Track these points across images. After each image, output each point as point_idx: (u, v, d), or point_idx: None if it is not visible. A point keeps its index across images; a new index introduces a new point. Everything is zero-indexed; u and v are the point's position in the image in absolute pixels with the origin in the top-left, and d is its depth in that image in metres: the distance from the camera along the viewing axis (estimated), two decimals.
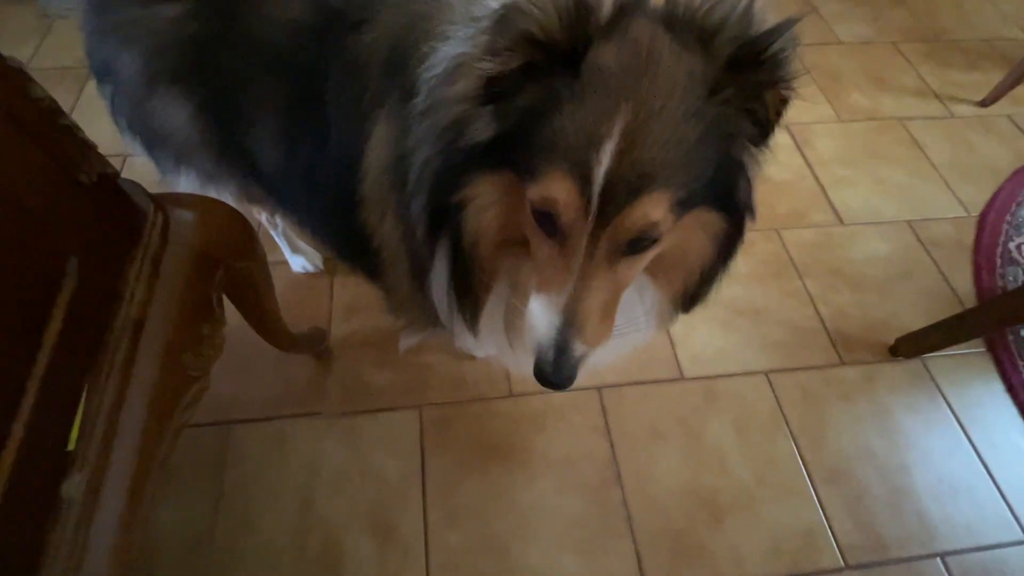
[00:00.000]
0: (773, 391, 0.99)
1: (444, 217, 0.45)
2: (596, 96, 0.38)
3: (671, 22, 0.40)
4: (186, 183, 0.73)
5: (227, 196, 0.73)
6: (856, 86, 1.47)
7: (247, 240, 0.61)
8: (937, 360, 1.03)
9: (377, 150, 0.51)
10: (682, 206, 0.40)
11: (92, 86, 0.75)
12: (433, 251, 0.49)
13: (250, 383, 0.94)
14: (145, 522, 0.44)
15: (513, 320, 0.54)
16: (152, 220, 0.49)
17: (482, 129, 0.41)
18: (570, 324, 0.42)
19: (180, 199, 0.54)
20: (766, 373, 1.01)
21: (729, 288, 1.08)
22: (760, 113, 0.43)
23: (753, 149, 0.45)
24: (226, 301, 0.65)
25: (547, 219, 0.41)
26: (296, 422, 0.91)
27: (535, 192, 0.40)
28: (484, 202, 0.44)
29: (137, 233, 0.48)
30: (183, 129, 0.62)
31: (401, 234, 0.53)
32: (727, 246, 0.48)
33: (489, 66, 0.38)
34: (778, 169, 1.29)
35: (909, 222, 1.22)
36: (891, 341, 1.04)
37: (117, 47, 0.63)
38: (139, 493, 0.42)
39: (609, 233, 0.39)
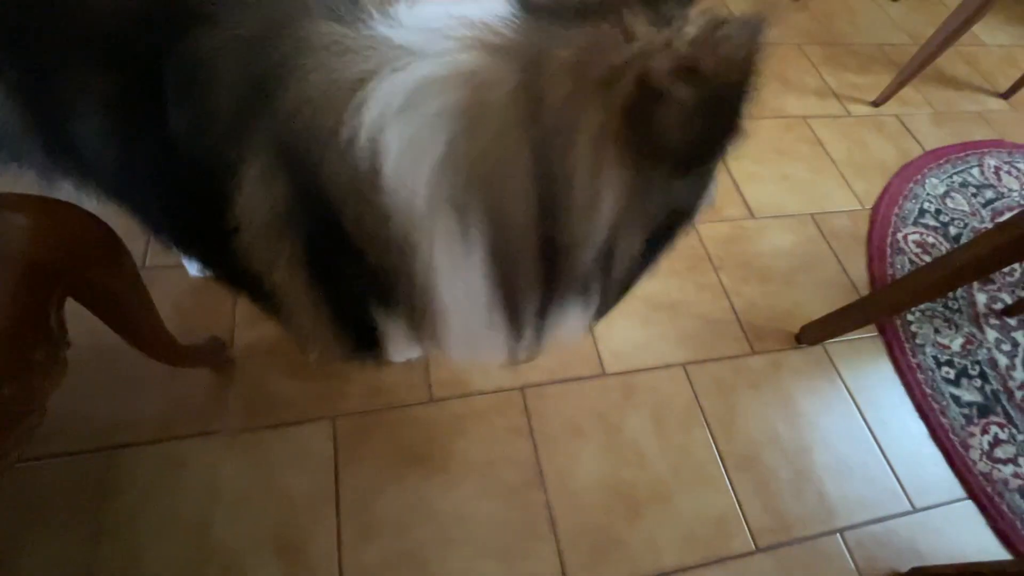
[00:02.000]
0: (690, 383, 1.02)
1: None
2: None
3: None
4: (26, 180, 0.64)
5: (81, 197, 0.63)
6: (764, 85, 1.54)
7: (102, 246, 0.54)
8: (836, 346, 1.10)
9: (254, 197, 0.43)
10: None
11: None
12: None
13: (137, 402, 0.85)
14: None
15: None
16: None
17: None
18: None
19: (6, 199, 0.46)
20: (683, 365, 1.03)
21: (649, 283, 1.11)
22: None
23: None
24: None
25: None
26: (191, 443, 0.83)
27: None
28: None
29: None
30: (2, 119, 0.53)
31: (306, 281, 0.47)
32: None
33: None
34: None
35: (812, 215, 1.30)
36: (796, 329, 1.10)
37: None
38: None
39: None
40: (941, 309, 1.18)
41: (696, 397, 1.00)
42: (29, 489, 0.76)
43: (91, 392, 0.83)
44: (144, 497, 0.78)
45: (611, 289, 0.47)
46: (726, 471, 0.93)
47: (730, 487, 0.91)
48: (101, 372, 0.83)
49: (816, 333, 1.08)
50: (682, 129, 0.35)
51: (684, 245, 1.18)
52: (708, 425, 0.97)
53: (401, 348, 0.57)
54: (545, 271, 0.41)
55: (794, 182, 1.35)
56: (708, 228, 1.22)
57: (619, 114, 0.36)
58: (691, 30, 0.36)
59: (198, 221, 0.50)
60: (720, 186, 1.29)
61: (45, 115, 0.51)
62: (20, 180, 0.61)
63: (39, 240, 0.46)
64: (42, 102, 0.50)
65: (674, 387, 1.01)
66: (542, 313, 0.45)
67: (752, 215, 1.27)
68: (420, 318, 0.46)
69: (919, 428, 1.03)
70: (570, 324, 0.49)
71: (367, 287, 0.46)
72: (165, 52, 0.42)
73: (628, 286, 0.50)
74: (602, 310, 0.51)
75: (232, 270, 0.50)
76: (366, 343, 0.55)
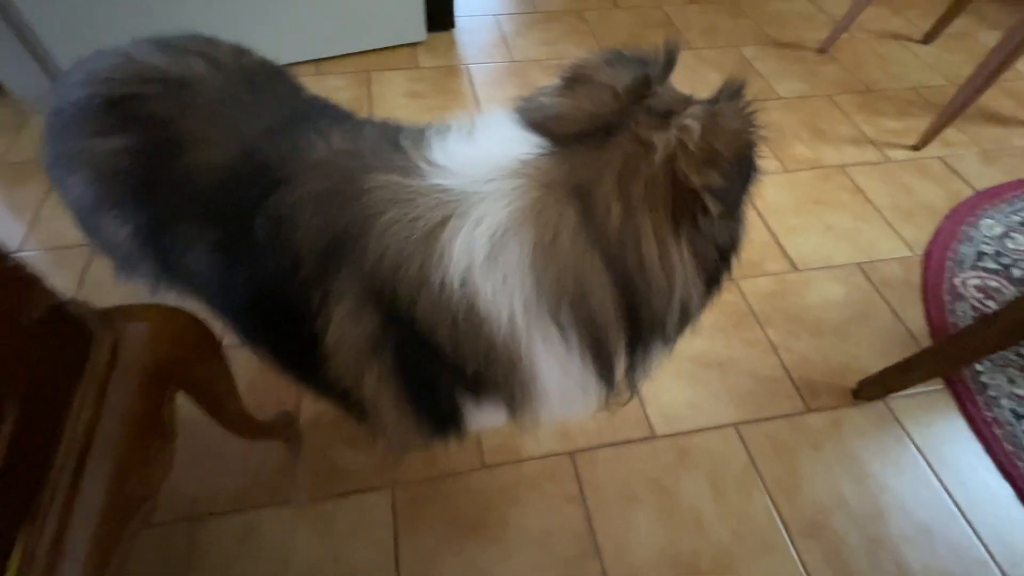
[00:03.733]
0: (744, 444, 1.00)
1: None
2: None
3: None
4: (139, 283, 0.75)
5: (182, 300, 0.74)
6: (798, 138, 1.57)
7: (206, 347, 0.62)
8: (899, 401, 1.05)
9: (343, 333, 0.49)
10: None
11: None
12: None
13: (217, 474, 0.92)
14: None
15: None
16: (100, 340, 0.50)
17: None
18: None
19: (131, 311, 0.55)
20: (736, 426, 1.02)
21: (694, 341, 1.12)
22: None
23: None
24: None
25: None
26: (265, 513, 0.89)
27: None
28: None
29: (84, 355, 0.49)
30: (125, 244, 0.64)
31: (394, 390, 0.52)
32: None
33: None
34: None
35: (859, 264, 1.28)
36: (853, 384, 1.06)
37: (66, 171, 0.65)
38: None
39: None
40: (1014, 357, 1.11)
41: (752, 459, 0.98)
42: None
43: (177, 466, 0.91)
44: (224, 566, 0.84)
45: (685, 326, 0.52)
46: (791, 538, 0.89)
47: (796, 556, 0.87)
48: (185, 448, 0.91)
49: (876, 388, 1.04)
50: (719, 197, 0.42)
51: (726, 302, 1.20)
52: (768, 489, 0.94)
53: (483, 423, 0.62)
54: (635, 337, 0.48)
55: (838, 232, 1.34)
56: (750, 284, 1.23)
57: (667, 210, 0.43)
58: (694, 124, 0.43)
59: (289, 348, 0.57)
60: (758, 241, 1.31)
61: (163, 249, 0.61)
62: (136, 287, 0.72)
63: (158, 345, 0.55)
64: (161, 240, 0.60)
65: (728, 448, 0.99)
66: (633, 367, 0.52)
67: (795, 268, 1.27)
68: (520, 401, 0.51)
69: (1004, 490, 0.95)
70: (653, 363, 0.54)
71: (460, 387, 0.51)
72: (254, 209, 0.51)
73: (696, 318, 0.54)
74: (674, 342, 0.55)
75: (320, 385, 0.57)
76: (447, 427, 0.59)
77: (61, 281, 1.13)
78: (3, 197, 1.31)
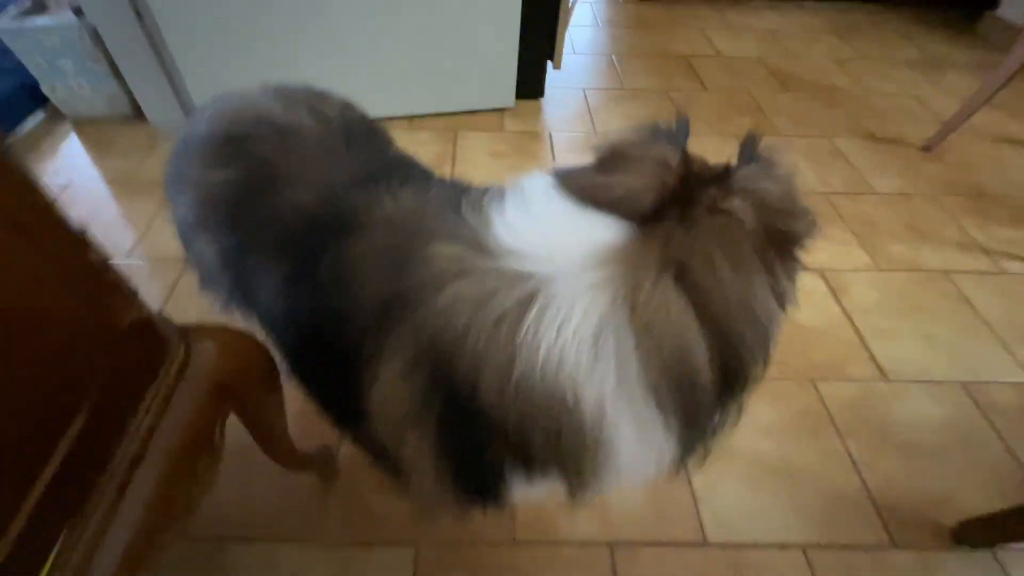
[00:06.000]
0: (812, 572, 0.87)
1: None
2: None
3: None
4: (215, 300, 0.81)
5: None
6: (894, 236, 1.46)
7: (267, 374, 0.64)
8: (1015, 555, 0.88)
9: (388, 389, 0.49)
10: None
11: None
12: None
13: (251, 499, 0.92)
14: None
15: None
16: (174, 355, 0.53)
17: None
18: None
19: (203, 329, 0.58)
20: (803, 548, 0.90)
21: (759, 441, 1.02)
22: None
23: None
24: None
25: None
26: (289, 547, 0.87)
27: None
28: None
29: (157, 365, 0.51)
30: (211, 262, 0.69)
31: (435, 454, 0.50)
32: None
33: None
34: (811, 314, 1.26)
35: (964, 384, 1.13)
36: (951, 522, 0.91)
37: (177, 192, 0.73)
38: None
39: None
40: None
41: None
42: None
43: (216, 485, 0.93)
44: None
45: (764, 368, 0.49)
46: None
47: None
48: (225, 468, 0.93)
49: (981, 533, 0.89)
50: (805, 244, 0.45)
51: (802, 403, 1.09)
52: None
53: (529, 497, 0.58)
54: (724, 396, 0.46)
55: (939, 344, 1.21)
56: (830, 387, 1.12)
57: (767, 265, 0.44)
58: (769, 185, 0.45)
59: (333, 392, 0.58)
60: (842, 339, 1.20)
61: (239, 271, 0.65)
62: (212, 303, 0.77)
63: (223, 364, 0.57)
64: (239, 263, 0.65)
65: (793, 574, 0.87)
66: (715, 429, 0.49)
67: (885, 377, 1.14)
68: (588, 477, 0.48)
69: None
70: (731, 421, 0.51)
71: (512, 460, 0.48)
72: (325, 250, 0.53)
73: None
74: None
75: (357, 436, 0.57)
76: (487, 497, 0.56)
77: (156, 287, 1.24)
78: (124, 207, 1.48)
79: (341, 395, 0.54)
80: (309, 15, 1.52)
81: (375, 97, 1.69)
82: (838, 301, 1.29)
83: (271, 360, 0.65)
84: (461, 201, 0.51)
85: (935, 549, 0.90)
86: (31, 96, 1.71)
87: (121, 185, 1.54)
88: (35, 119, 1.72)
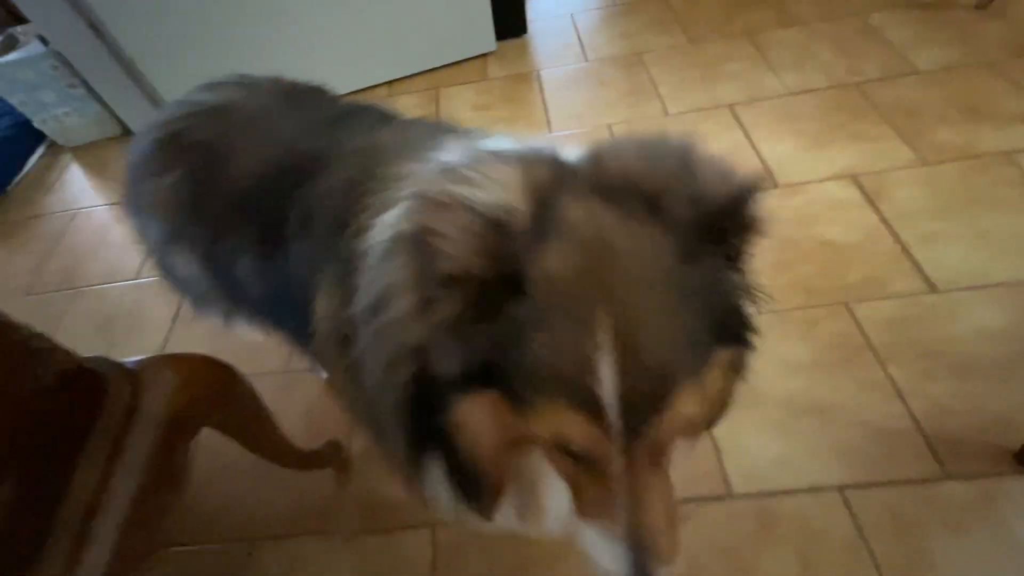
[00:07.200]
0: (851, 513, 0.80)
1: (428, 437, 0.41)
2: (562, 313, 0.32)
3: (606, 193, 0.35)
4: (213, 318, 0.81)
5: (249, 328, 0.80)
6: (943, 120, 1.26)
7: (228, 390, 0.63)
8: None
9: (320, 312, 0.51)
10: (703, 373, 0.35)
11: None
12: (420, 462, 0.45)
13: (271, 497, 0.96)
14: None
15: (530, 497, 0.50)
16: (116, 396, 0.52)
17: (445, 364, 0.35)
18: (642, 550, 0.36)
19: (152, 364, 0.57)
20: (840, 489, 0.83)
21: (787, 381, 0.94)
22: (733, 252, 0.37)
23: (735, 274, 0.38)
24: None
25: (564, 446, 0.36)
26: (311, 541, 0.90)
27: (540, 428, 0.35)
28: (476, 428, 0.38)
29: (96, 414, 0.50)
30: (198, 279, 0.69)
31: (364, 402, 0.49)
32: (740, 365, 0.43)
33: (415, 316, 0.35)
34: (842, 228, 1.12)
35: None
36: (1015, 446, 0.81)
37: (138, 215, 0.72)
38: None
39: (645, 442, 0.34)
40: None
41: (862, 534, 0.78)
42: (179, 572, 0.90)
43: (234, 491, 0.96)
44: None
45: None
46: None
47: None
48: (242, 473, 0.96)
49: None
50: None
51: (834, 331, 0.99)
52: (881, 575, 0.75)
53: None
54: None
55: (997, 241, 1.04)
56: (867, 308, 1.00)
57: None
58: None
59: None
60: (880, 252, 1.06)
61: (222, 270, 0.65)
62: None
63: (177, 394, 0.56)
64: (219, 260, 0.64)
65: (829, 518, 0.81)
66: None
67: (934, 288, 1.01)
68: None
69: None
70: None
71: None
72: (289, 199, 0.54)
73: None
74: None
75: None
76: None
77: (164, 309, 1.26)
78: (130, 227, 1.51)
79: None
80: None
81: (351, 70, 1.60)
82: (875, 208, 1.14)
83: (234, 375, 0.64)
84: (443, 136, 0.51)
85: (996, 476, 0.80)
86: (30, 134, 1.75)
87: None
88: (38, 155, 1.77)
